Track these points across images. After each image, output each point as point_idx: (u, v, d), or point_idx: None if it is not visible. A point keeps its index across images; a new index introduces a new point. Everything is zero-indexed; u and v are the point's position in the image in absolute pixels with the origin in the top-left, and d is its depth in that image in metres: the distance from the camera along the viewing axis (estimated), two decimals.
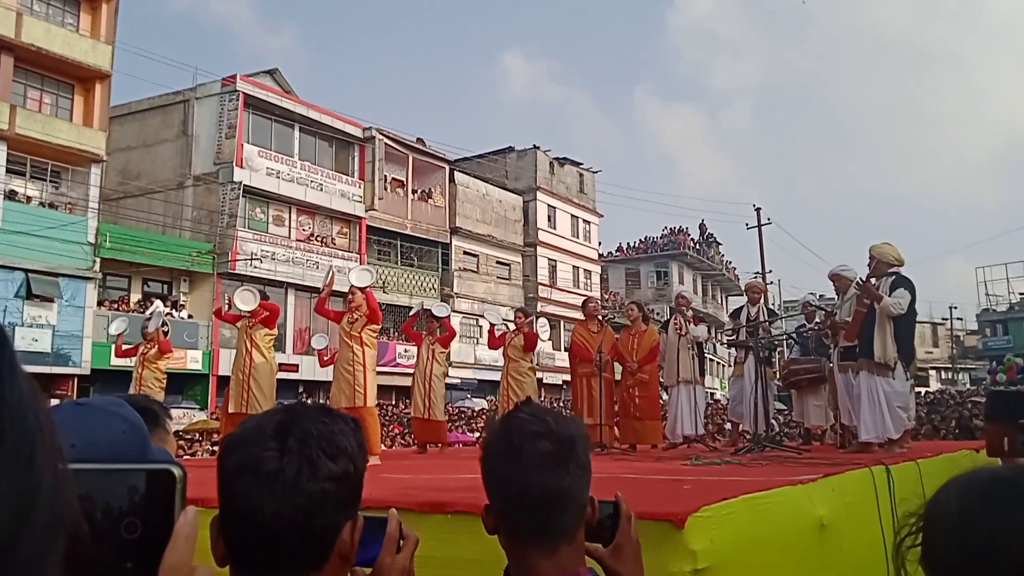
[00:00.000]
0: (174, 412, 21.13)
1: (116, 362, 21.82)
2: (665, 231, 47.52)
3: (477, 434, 20.36)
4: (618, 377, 8.99)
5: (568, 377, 9.82)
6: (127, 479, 0.72)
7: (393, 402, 26.51)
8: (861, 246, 6.70)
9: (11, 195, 20.60)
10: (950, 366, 57.19)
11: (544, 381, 33.84)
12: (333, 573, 1.02)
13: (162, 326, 10.22)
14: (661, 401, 9.26)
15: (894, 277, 6.50)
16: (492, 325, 10.15)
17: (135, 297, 23.85)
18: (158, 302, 23.54)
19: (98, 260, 21.92)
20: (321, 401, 24.32)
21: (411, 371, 10.96)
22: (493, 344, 10.09)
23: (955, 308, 58.08)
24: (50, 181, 22.10)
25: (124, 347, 10.48)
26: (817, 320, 8.77)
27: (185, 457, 13.52)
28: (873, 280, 6.52)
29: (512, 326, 9.79)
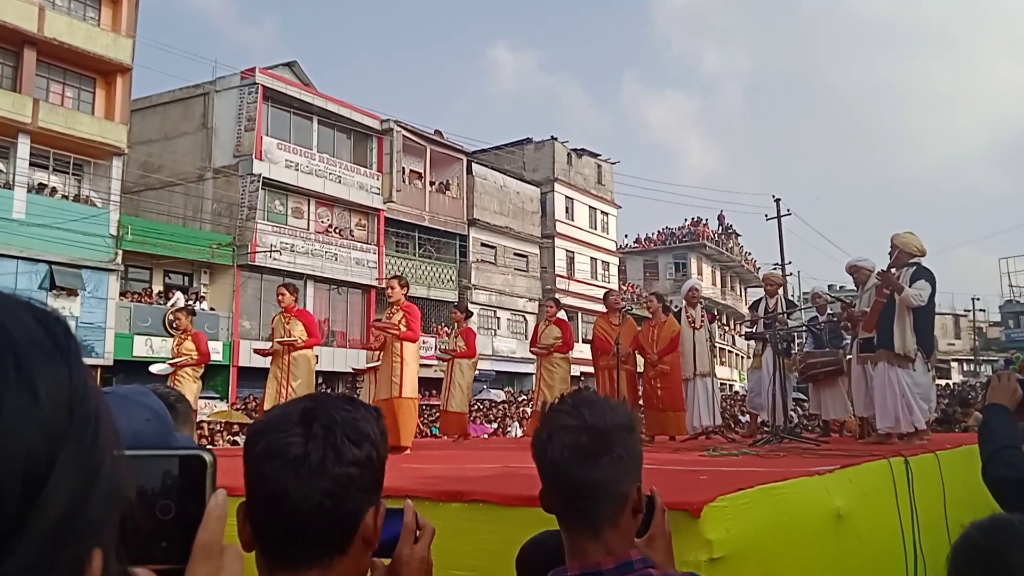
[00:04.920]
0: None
1: (138, 352, 22.20)
2: (685, 222, 47.33)
3: (494, 425, 20.35)
4: (641, 369, 9.01)
5: (586, 368, 9.83)
6: (162, 464, 0.77)
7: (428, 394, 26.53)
8: (875, 233, 6.65)
9: (37, 188, 20.85)
10: (972, 358, 56.68)
11: None
12: (357, 557, 1.05)
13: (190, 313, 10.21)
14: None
15: (915, 268, 6.45)
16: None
17: (156, 289, 24.10)
18: (179, 294, 23.91)
19: (120, 252, 22.13)
20: (341, 391, 24.44)
21: (433, 363, 10.99)
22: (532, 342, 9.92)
23: (977, 300, 57.49)
24: (72, 174, 22.35)
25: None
26: (830, 312, 8.73)
27: (207, 447, 13.66)
28: (893, 270, 6.48)
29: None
